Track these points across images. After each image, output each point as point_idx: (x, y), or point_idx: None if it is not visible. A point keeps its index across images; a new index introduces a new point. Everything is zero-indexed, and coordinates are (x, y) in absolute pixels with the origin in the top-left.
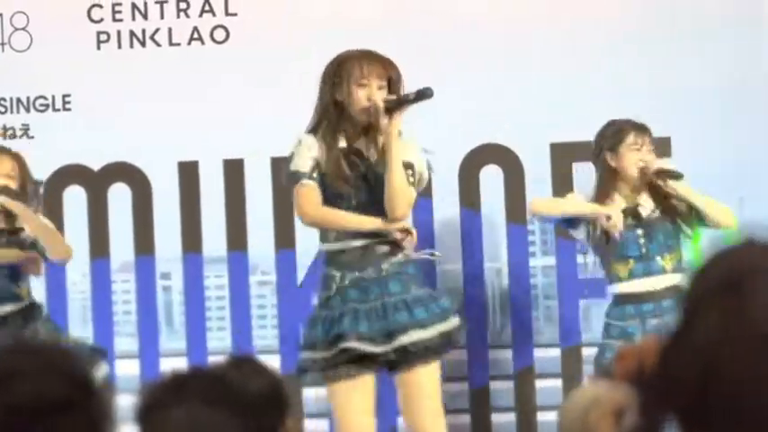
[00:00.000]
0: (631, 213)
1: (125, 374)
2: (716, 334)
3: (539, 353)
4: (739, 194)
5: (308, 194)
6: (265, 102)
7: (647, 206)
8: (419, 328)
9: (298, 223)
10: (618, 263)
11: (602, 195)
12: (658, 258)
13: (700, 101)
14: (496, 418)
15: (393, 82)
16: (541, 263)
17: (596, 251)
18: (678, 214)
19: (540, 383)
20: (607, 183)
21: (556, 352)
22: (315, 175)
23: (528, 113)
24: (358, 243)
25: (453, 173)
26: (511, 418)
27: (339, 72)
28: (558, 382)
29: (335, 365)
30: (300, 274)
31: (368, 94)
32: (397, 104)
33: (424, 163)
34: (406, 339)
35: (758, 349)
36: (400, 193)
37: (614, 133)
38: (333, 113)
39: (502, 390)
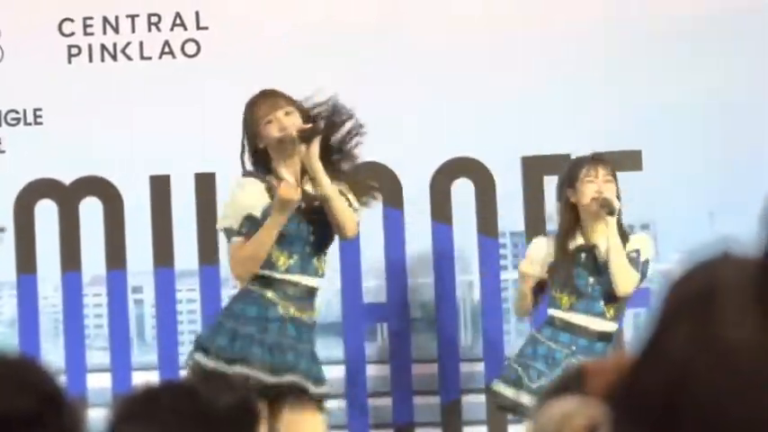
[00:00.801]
0: (586, 252)
1: (96, 388)
2: (686, 349)
3: None
4: (709, 209)
5: (236, 252)
6: (237, 116)
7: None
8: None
9: None
10: (561, 292)
11: (563, 233)
12: (601, 303)
13: (671, 116)
14: (468, 431)
15: (302, 112)
16: (513, 276)
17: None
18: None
19: None
20: (568, 220)
21: None
22: (243, 230)
23: (499, 127)
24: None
25: (424, 186)
26: (483, 431)
27: (248, 121)
28: None
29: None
30: None
31: (278, 126)
32: (312, 133)
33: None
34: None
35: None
36: (345, 213)
37: (570, 168)
38: (262, 160)
39: (473, 403)
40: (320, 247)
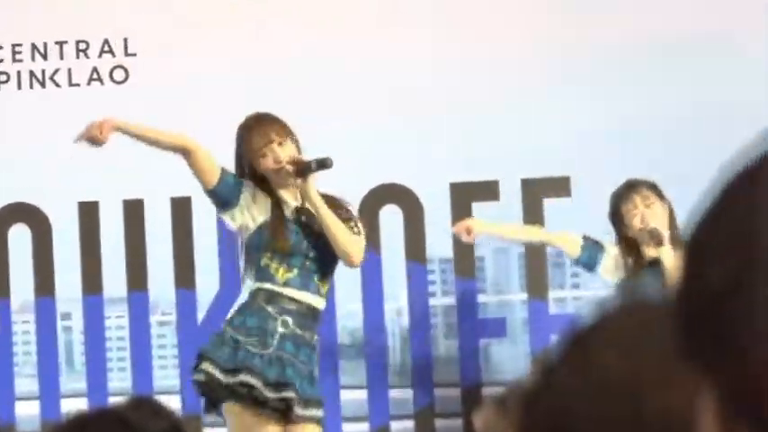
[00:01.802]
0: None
1: (25, 415)
2: (564, 390)
3: (439, 392)
4: None
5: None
6: None
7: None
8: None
9: (197, 263)
10: None
11: (629, 275)
12: None
13: (599, 141)
14: None
15: (295, 139)
16: (441, 302)
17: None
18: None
19: (439, 423)
20: (628, 251)
21: (456, 392)
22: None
23: (427, 153)
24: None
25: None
26: None
27: (243, 150)
28: (459, 422)
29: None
30: (201, 314)
31: (273, 158)
32: (306, 169)
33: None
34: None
35: (603, 403)
36: (349, 241)
37: (612, 205)
38: (260, 183)
39: (402, 429)
40: (322, 265)
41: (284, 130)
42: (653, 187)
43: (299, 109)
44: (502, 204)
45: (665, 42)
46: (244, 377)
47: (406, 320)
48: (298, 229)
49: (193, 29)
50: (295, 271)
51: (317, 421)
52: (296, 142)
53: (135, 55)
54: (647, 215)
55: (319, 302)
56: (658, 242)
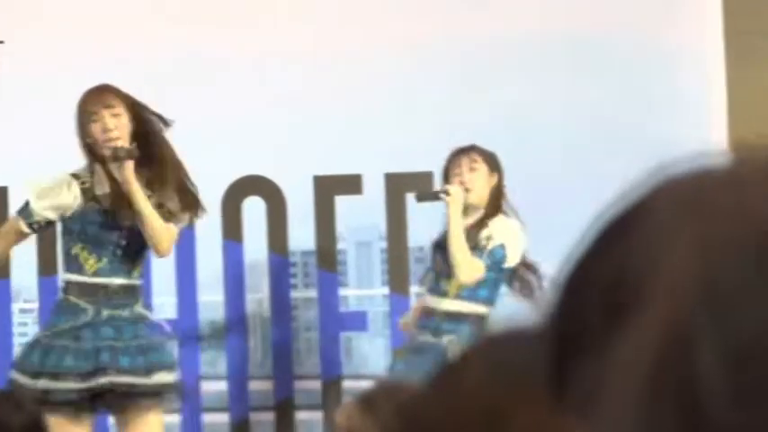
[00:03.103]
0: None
1: None
2: (429, 417)
3: (299, 384)
4: None
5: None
6: (33, 131)
7: None
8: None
9: (60, 251)
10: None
11: None
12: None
13: (462, 137)
14: None
15: (134, 112)
16: (303, 295)
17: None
18: None
19: (300, 415)
20: None
21: (316, 384)
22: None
23: (291, 145)
24: None
25: (216, 204)
26: None
27: (77, 113)
28: (319, 415)
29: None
30: None
31: (101, 126)
32: (125, 155)
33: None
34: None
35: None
36: (159, 231)
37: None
38: (90, 157)
39: (262, 421)
40: (134, 252)
41: (123, 100)
42: (487, 156)
43: (163, 96)
44: (365, 198)
45: (532, 40)
46: (45, 382)
47: (267, 312)
48: (110, 221)
49: (64, 19)
50: (104, 260)
51: (158, 394)
52: (137, 116)
53: (2, 42)
54: (467, 179)
55: (133, 281)
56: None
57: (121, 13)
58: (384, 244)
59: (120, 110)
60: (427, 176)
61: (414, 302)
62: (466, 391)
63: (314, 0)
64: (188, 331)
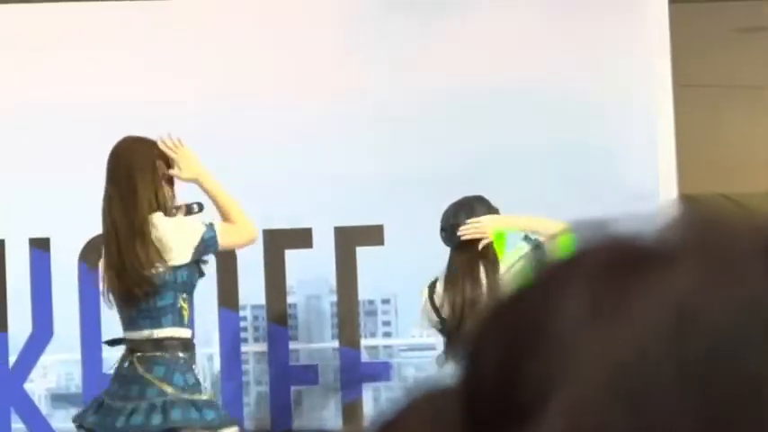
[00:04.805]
0: None
1: None
2: None
3: None
4: None
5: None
6: None
7: None
8: None
9: (9, 306)
10: None
11: None
12: None
13: (411, 190)
14: None
15: None
16: (253, 348)
17: None
18: None
19: None
20: None
21: None
22: None
23: (240, 200)
24: None
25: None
26: None
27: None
28: None
29: None
30: (12, 358)
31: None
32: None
33: None
34: None
35: None
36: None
37: None
38: None
39: None
40: None
41: None
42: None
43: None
44: (315, 252)
45: (472, 90)
46: None
47: (217, 367)
48: None
49: None
50: None
51: None
52: None
53: None
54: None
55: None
56: None
57: None
58: (334, 297)
59: None
60: (377, 229)
61: (363, 356)
62: None
63: (265, 49)
64: None
